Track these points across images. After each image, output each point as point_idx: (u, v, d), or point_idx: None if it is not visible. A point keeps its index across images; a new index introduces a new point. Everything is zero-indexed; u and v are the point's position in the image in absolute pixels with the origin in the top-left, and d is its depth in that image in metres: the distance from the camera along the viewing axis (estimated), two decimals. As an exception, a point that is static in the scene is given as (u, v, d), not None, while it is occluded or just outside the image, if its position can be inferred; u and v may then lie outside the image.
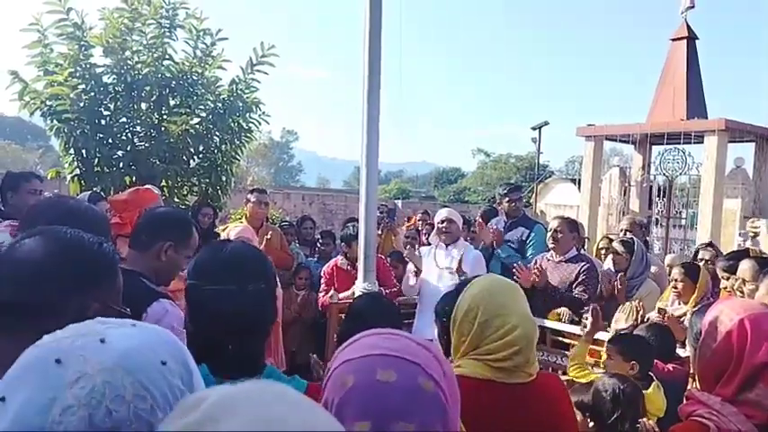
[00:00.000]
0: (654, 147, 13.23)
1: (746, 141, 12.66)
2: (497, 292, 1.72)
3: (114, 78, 6.66)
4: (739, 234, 8.27)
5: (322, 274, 5.19)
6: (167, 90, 6.86)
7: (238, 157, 7.59)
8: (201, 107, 7.06)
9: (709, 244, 5.57)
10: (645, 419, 2.26)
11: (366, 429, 0.87)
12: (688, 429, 1.48)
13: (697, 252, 5.30)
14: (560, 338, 4.23)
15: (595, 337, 3.54)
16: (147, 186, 4.61)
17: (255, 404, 0.64)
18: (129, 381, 0.75)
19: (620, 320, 3.89)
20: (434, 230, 4.94)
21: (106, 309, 1.18)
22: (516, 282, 4.21)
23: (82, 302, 1.16)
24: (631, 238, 4.78)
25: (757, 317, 1.46)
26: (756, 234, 8.25)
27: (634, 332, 3.50)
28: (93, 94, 6.53)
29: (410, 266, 4.84)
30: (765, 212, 12.36)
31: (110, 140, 6.67)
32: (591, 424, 2.54)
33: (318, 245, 6.38)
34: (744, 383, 1.42)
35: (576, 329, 4.10)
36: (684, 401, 1.55)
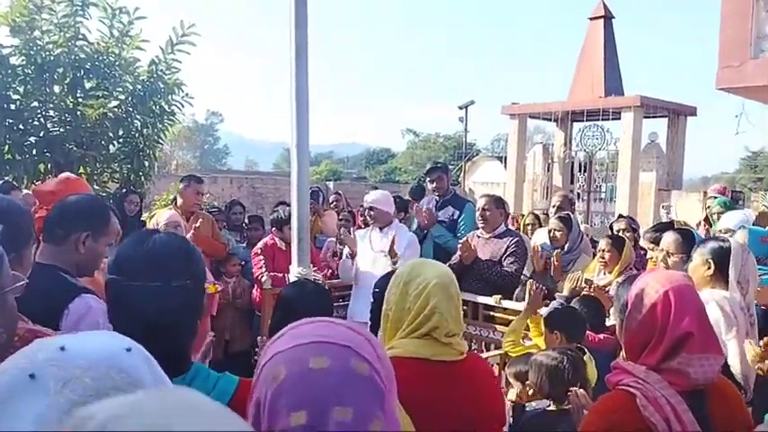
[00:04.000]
0: (575, 124, 13.71)
1: (660, 117, 13.30)
2: (421, 263, 1.89)
3: (23, 60, 6.28)
4: (662, 207, 8.87)
5: (258, 252, 5.05)
6: (82, 72, 6.52)
7: (161, 140, 7.33)
8: (120, 89, 6.75)
9: (620, 215, 6.41)
10: (576, 388, 2.35)
11: (302, 420, 0.84)
12: (615, 398, 1.55)
13: (612, 225, 5.57)
14: (491, 313, 4.34)
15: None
16: (67, 174, 4.37)
17: (151, 419, 0.57)
18: (115, 371, 0.75)
19: (564, 290, 4.03)
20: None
21: (5, 296, 1.17)
22: (451, 262, 4.33)
23: None
24: (568, 214, 4.90)
25: (681, 288, 1.54)
26: (669, 211, 8.89)
27: (571, 304, 3.62)
28: (0, 76, 6.15)
29: (346, 249, 4.81)
30: (677, 184, 13.06)
31: (20, 126, 6.33)
32: (530, 392, 2.63)
33: (246, 230, 6.28)
34: (668, 352, 1.49)
35: (509, 304, 4.21)
36: (611, 371, 1.62)
